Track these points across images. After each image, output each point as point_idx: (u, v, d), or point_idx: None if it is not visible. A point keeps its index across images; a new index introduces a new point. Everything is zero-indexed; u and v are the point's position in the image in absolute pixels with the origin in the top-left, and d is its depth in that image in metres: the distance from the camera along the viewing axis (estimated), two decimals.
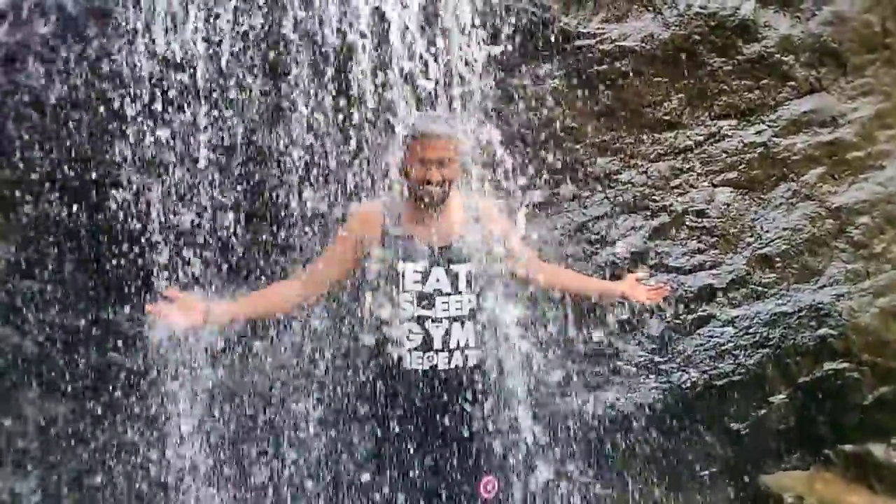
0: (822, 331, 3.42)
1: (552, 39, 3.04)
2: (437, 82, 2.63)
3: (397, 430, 2.31)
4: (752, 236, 3.43)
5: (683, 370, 3.36)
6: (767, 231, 3.43)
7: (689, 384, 3.36)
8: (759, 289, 3.42)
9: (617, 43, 3.19)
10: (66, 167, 2.67)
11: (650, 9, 3.22)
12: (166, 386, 2.65)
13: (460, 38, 2.73)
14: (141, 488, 2.87)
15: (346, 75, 2.74)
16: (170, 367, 2.52)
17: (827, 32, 3.39)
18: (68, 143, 2.62)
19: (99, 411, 2.79)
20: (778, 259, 3.43)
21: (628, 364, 3.34)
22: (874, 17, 3.45)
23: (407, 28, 2.63)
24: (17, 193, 2.67)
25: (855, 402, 3.43)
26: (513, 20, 2.99)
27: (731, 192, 3.41)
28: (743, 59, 3.33)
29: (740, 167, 3.40)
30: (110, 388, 2.79)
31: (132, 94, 2.57)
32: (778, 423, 3.43)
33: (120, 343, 2.75)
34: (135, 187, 2.61)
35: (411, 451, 2.31)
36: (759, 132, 3.40)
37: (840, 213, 3.47)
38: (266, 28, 2.78)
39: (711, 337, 3.39)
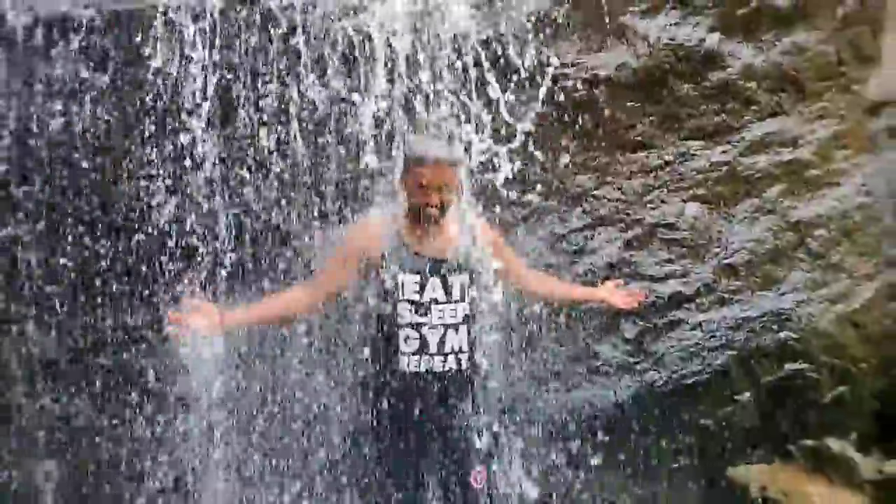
0: (783, 334, 3.55)
1: (534, 69, 3.13)
2: (431, 106, 2.81)
3: (395, 426, 2.40)
4: (718, 247, 3.54)
5: (656, 370, 3.48)
6: (733, 243, 3.55)
7: (661, 383, 3.47)
8: (725, 296, 3.54)
9: (593, 72, 3.30)
10: (94, 185, 2.83)
11: (623, 41, 3.33)
12: (184, 387, 2.78)
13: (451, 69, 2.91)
14: (157, 484, 2.96)
15: (350, 94, 2.88)
16: (188, 370, 2.69)
17: (787, 61, 3.52)
18: (98, 161, 2.81)
19: (118, 410, 2.89)
20: (742, 268, 3.55)
21: (605, 365, 3.44)
22: (830, 47, 3.58)
23: (397, 53, 2.80)
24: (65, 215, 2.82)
25: (814, 401, 3.56)
26: (496, 51, 3.09)
27: (699, 206, 3.51)
28: (709, 85, 3.44)
29: (707, 184, 3.53)
30: (130, 387, 2.90)
31: (154, 117, 2.75)
32: (743, 420, 3.53)
33: (142, 346, 2.86)
34: (158, 201, 2.77)
35: (408, 444, 2.40)
36: (724, 152, 3.52)
37: (800, 226, 3.60)
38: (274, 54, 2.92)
39: (681, 340, 3.50)
